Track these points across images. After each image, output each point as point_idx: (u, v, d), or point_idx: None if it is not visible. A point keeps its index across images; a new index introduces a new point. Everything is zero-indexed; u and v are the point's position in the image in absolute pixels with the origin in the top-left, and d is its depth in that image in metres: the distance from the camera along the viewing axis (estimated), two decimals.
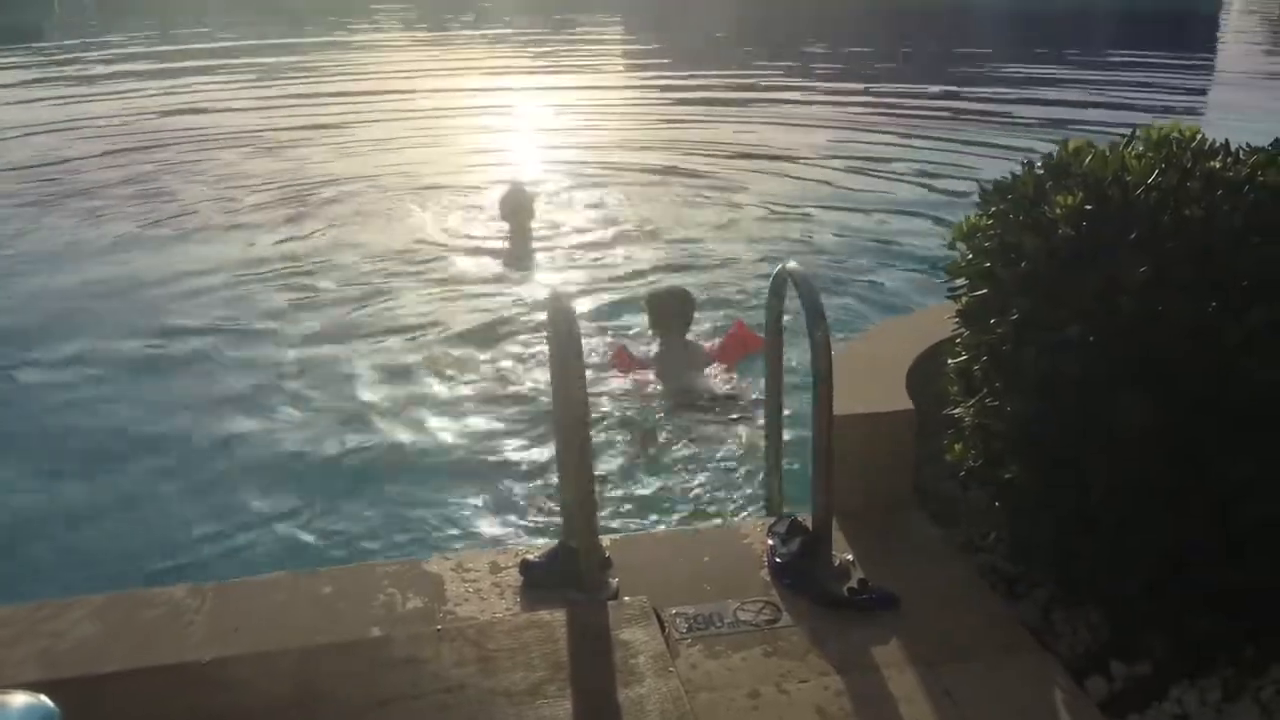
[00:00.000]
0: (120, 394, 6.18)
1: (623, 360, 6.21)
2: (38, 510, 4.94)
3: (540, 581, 3.34)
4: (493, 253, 8.60)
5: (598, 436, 5.08)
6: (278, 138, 13.58)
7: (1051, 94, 14.67)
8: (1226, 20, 25.69)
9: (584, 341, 3.27)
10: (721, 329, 6.61)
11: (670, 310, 6.30)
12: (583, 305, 7.25)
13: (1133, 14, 21.92)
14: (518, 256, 8.47)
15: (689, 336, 6.38)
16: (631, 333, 6.72)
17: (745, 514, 4.52)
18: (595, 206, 9.97)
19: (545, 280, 7.84)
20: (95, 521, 4.86)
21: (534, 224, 9.08)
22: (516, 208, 8.98)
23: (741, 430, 5.39)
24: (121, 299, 7.75)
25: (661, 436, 5.43)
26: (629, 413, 5.69)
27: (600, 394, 5.77)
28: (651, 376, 6.05)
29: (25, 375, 6.48)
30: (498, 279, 8.04)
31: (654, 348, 6.31)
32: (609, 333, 6.79)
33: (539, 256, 8.56)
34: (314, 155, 12.34)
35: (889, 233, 8.71)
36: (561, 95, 16.64)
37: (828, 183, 10.56)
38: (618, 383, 6.00)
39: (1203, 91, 16.40)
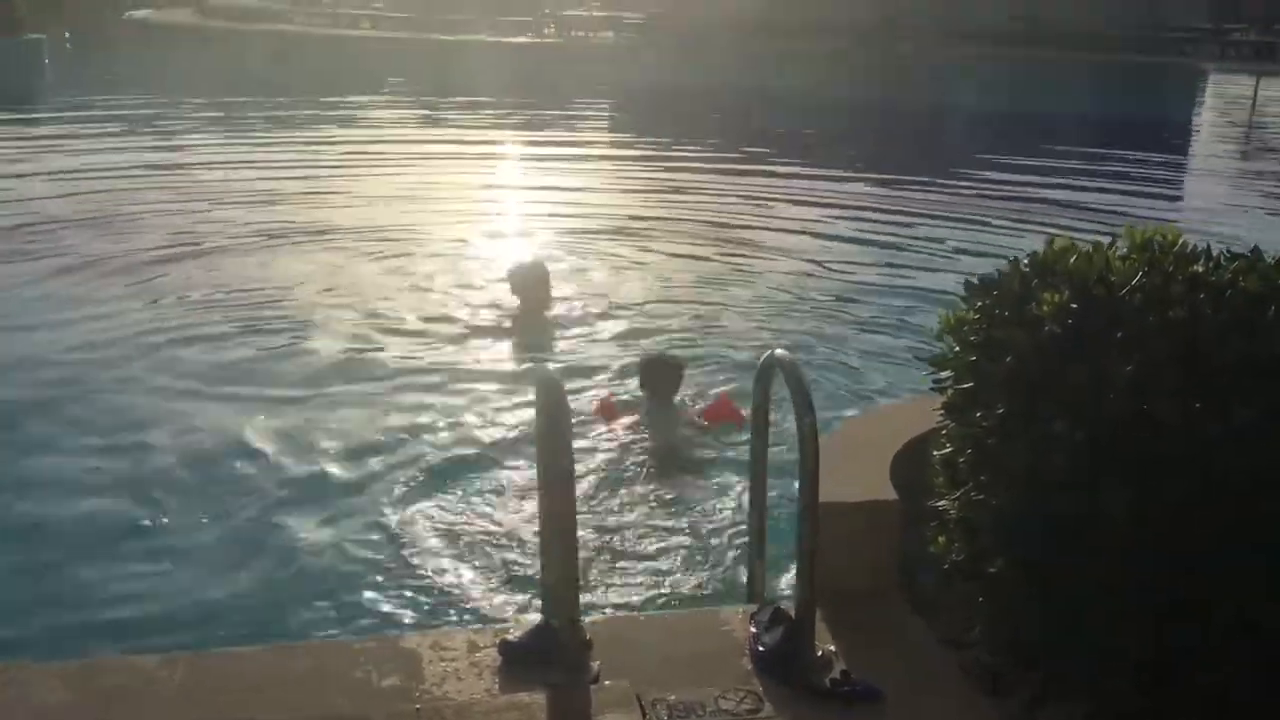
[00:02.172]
0: (92, 449, 6.13)
1: (607, 410, 6.45)
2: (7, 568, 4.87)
3: (520, 661, 3.31)
4: (499, 326, 8.55)
5: (580, 499, 5.09)
6: (268, 202, 13.69)
7: (1032, 192, 14.97)
8: (1199, 126, 26.37)
9: (570, 398, 3.30)
10: (709, 397, 6.79)
11: (660, 373, 6.56)
12: (573, 366, 7.38)
13: (1108, 119, 22.48)
14: (528, 332, 8.37)
15: (676, 399, 6.59)
16: (623, 396, 6.82)
17: (727, 599, 4.49)
18: (584, 280, 10.03)
19: (549, 354, 7.87)
20: (62, 582, 4.79)
21: (550, 298, 8.81)
22: (532, 283, 8.68)
23: (725, 505, 5.41)
24: (99, 352, 7.74)
25: (644, 506, 5.47)
26: (612, 470, 5.79)
27: (582, 449, 5.83)
28: (632, 425, 6.26)
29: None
30: (502, 354, 8.06)
31: (642, 407, 6.51)
32: (595, 389, 6.95)
33: (548, 328, 8.49)
34: (298, 221, 12.39)
35: (875, 322, 8.80)
36: (551, 171, 16.92)
37: (819, 267, 10.72)
38: (601, 435, 6.19)
39: (1178, 194, 16.75)
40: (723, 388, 6.97)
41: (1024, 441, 2.87)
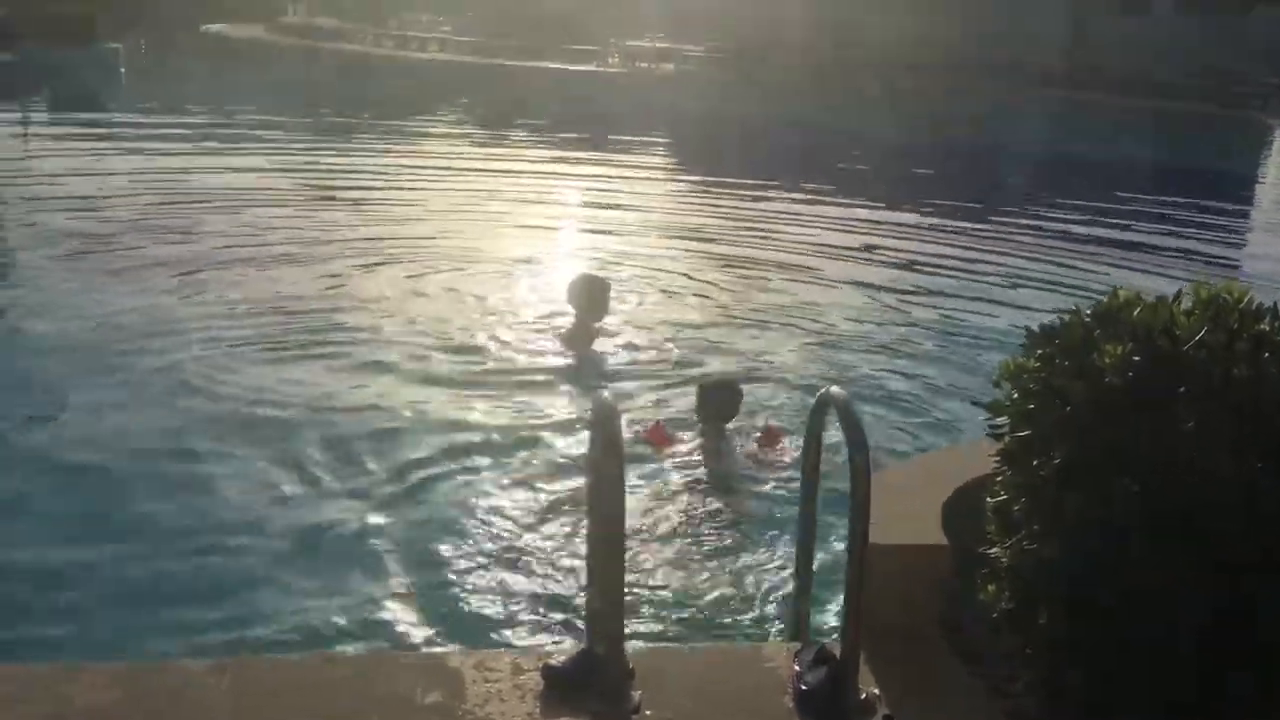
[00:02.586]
0: (141, 459, 6.22)
1: (658, 435, 6.49)
2: (51, 569, 4.96)
3: (562, 686, 3.32)
4: (553, 340, 8.61)
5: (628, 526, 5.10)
6: (322, 206, 13.95)
7: (1098, 239, 14.85)
8: (1264, 178, 26.00)
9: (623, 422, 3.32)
10: (761, 428, 6.78)
11: (719, 399, 6.62)
12: (625, 384, 7.50)
13: (1168, 167, 22.22)
14: (582, 344, 8.43)
15: (730, 427, 6.65)
16: (674, 418, 6.89)
17: (771, 636, 4.48)
18: (641, 301, 10.08)
19: (604, 375, 7.92)
20: (109, 586, 4.87)
21: (606, 318, 8.84)
22: (591, 297, 8.67)
23: (774, 540, 5.40)
24: (146, 355, 7.91)
25: (692, 536, 5.48)
26: (663, 498, 5.83)
27: (633, 474, 5.84)
28: (685, 452, 6.34)
29: (45, 430, 6.57)
30: (557, 369, 8.12)
31: (695, 432, 6.57)
32: (646, 410, 7.04)
33: (605, 349, 8.54)
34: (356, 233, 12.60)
35: (934, 363, 8.75)
36: (611, 193, 17.13)
37: (880, 304, 10.70)
38: (652, 460, 6.26)
39: (1246, 250, 16.51)
40: (774, 420, 6.96)
41: (1080, 493, 2.84)
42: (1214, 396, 2.77)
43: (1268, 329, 2.98)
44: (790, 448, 6.33)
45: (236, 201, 14.25)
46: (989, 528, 3.33)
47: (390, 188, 16.40)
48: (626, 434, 6.24)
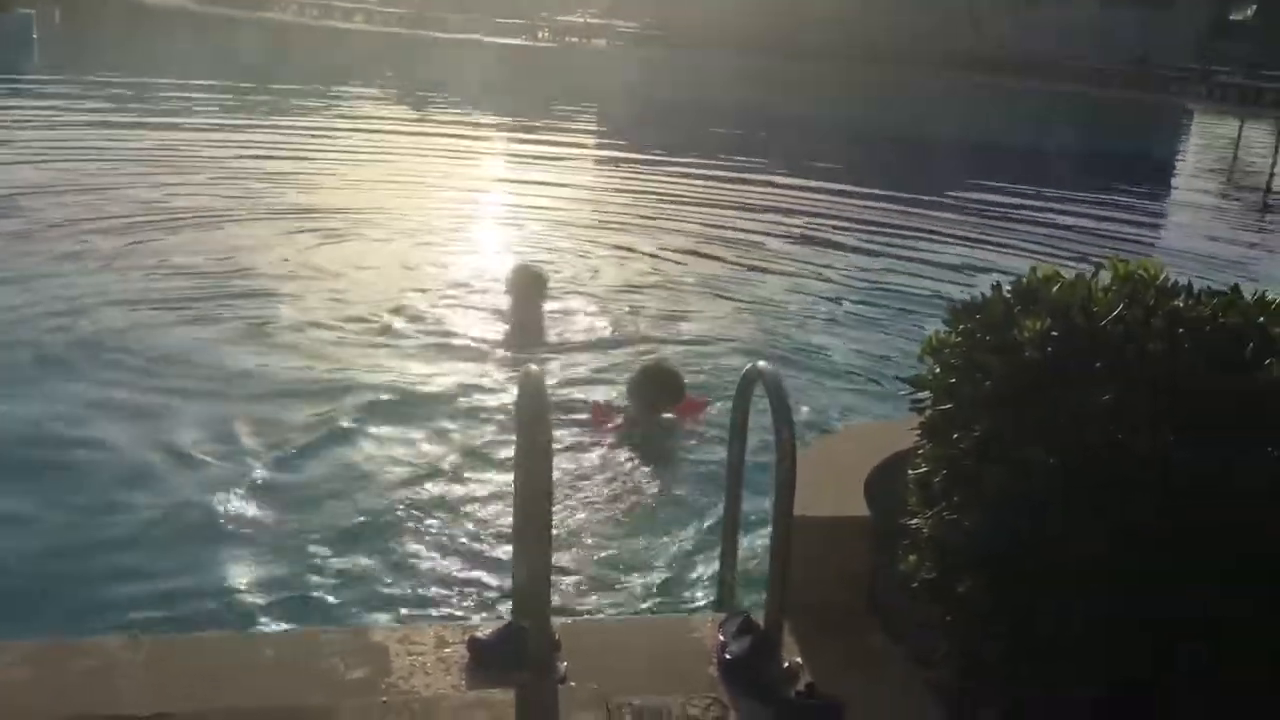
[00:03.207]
0: (70, 428, 6.11)
1: (601, 414, 6.56)
2: None
3: (487, 660, 3.31)
4: (485, 316, 8.58)
5: (558, 501, 5.10)
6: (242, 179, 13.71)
7: (1019, 219, 15.15)
8: (1181, 164, 26.67)
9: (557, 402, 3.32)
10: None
11: (653, 384, 6.68)
12: (562, 368, 7.52)
13: (1096, 153, 22.67)
14: (519, 333, 8.37)
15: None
16: (615, 402, 6.92)
17: (697, 607, 4.51)
18: (575, 282, 10.05)
19: (537, 354, 7.89)
20: (24, 563, 4.76)
21: (544, 305, 8.83)
22: (527, 285, 8.74)
23: (701, 514, 5.44)
24: (86, 328, 7.74)
25: (620, 511, 5.52)
26: (592, 475, 5.88)
27: (565, 452, 5.95)
28: (615, 430, 6.42)
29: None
30: (487, 342, 8.08)
31: (627, 414, 6.65)
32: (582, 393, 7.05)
33: (548, 337, 8.49)
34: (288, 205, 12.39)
35: (860, 339, 8.88)
36: (539, 169, 17.01)
37: (808, 281, 10.82)
38: (584, 439, 6.29)
39: (1162, 229, 16.94)
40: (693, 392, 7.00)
41: (999, 465, 2.90)
42: (1129, 371, 2.83)
43: (1182, 305, 3.05)
44: (711, 413, 6.44)
45: (149, 170, 13.96)
46: (910, 499, 3.38)
47: (313, 157, 16.13)
48: (562, 414, 6.29)
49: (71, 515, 5.20)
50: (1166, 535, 2.73)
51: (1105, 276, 3.23)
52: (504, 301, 8.78)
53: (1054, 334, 2.97)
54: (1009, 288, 3.31)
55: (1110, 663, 2.83)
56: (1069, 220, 15.45)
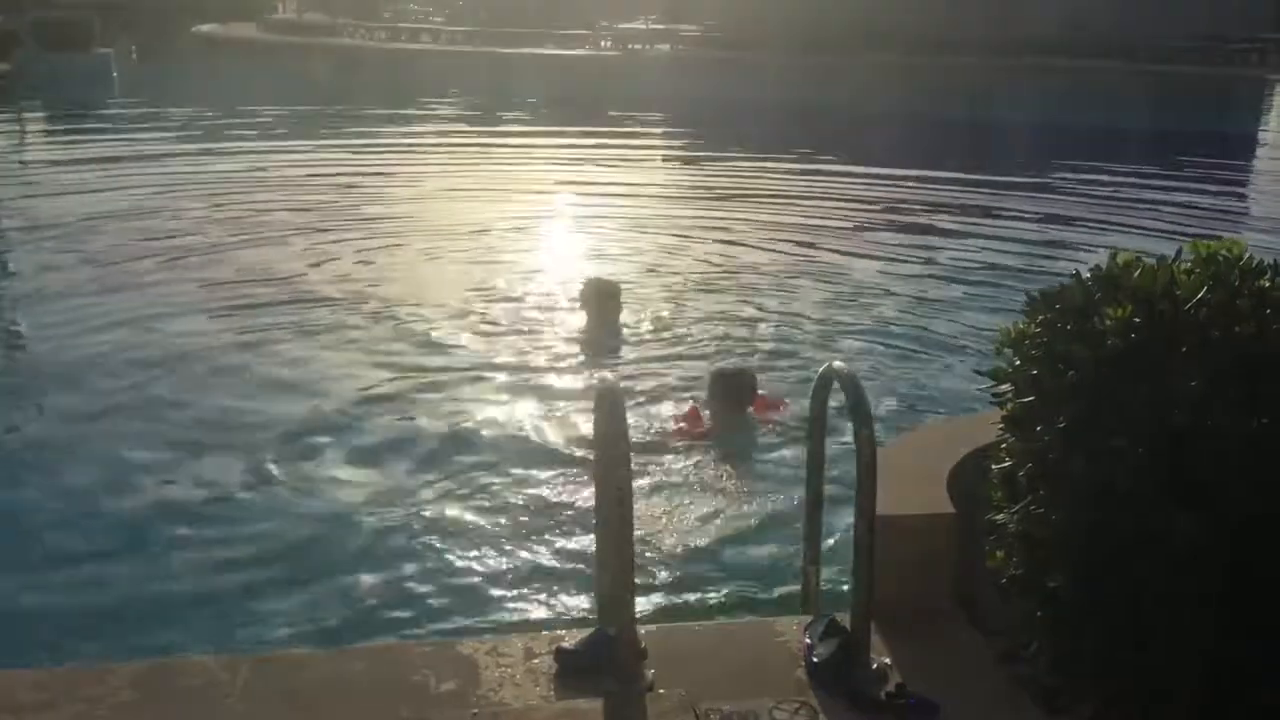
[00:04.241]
0: (146, 457, 6.26)
1: (693, 419, 6.57)
2: (62, 572, 4.99)
3: (576, 669, 3.33)
4: (571, 341, 8.59)
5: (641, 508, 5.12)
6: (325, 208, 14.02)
7: (1098, 205, 14.83)
8: (1265, 136, 25.91)
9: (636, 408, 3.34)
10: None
11: (730, 386, 6.75)
12: (640, 376, 7.56)
13: (1173, 132, 22.15)
14: (598, 346, 8.41)
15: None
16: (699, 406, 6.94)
17: (783, 610, 4.49)
18: (650, 288, 10.08)
19: (613, 360, 7.97)
20: (115, 587, 4.90)
21: (620, 317, 8.83)
22: (602, 299, 8.74)
23: (784, 517, 5.42)
24: (145, 347, 8.04)
25: (704, 515, 5.54)
26: (674, 480, 5.93)
27: (646, 459, 5.97)
28: (698, 435, 6.47)
29: (53, 429, 6.65)
30: (566, 355, 8.15)
31: (711, 417, 6.69)
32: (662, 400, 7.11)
33: (624, 348, 8.50)
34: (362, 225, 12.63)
35: (939, 333, 8.76)
36: (612, 171, 17.18)
37: (883, 276, 10.73)
38: (666, 444, 6.34)
39: (1245, 208, 16.47)
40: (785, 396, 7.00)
41: (1085, 456, 2.84)
42: (1216, 354, 2.76)
43: (1267, 284, 2.97)
44: (787, 412, 6.51)
45: (237, 191, 14.40)
46: (995, 494, 3.34)
47: (394, 174, 16.48)
48: (642, 421, 6.34)
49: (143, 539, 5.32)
50: (1259, 523, 2.66)
51: (1187, 259, 3.16)
52: (579, 316, 8.82)
53: (1137, 320, 2.92)
54: (1089, 276, 3.25)
55: (1203, 655, 2.76)
56: (1151, 206, 15.11)
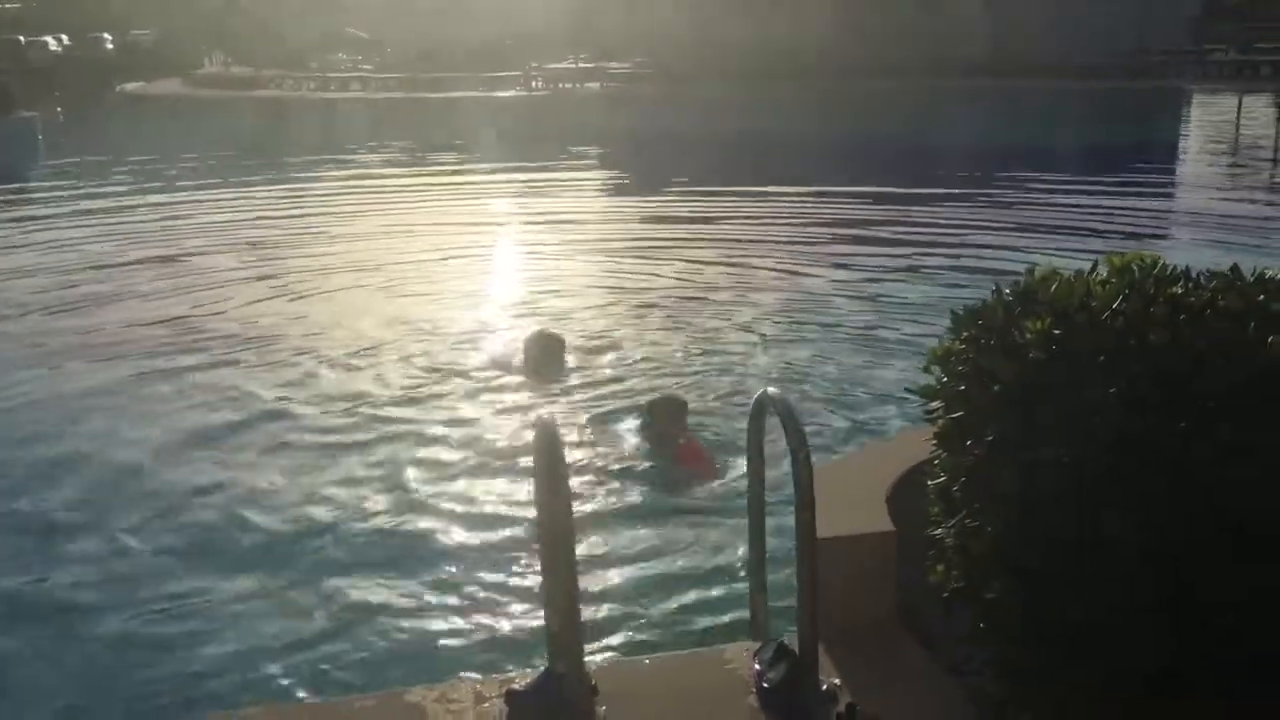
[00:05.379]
0: (112, 507, 6.17)
1: (693, 452, 6.60)
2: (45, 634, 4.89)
3: (526, 710, 3.31)
4: (510, 378, 8.50)
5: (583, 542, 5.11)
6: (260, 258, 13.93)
7: (1012, 221, 15.13)
8: (1186, 147, 26.60)
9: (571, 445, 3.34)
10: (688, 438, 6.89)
11: (664, 412, 6.90)
12: (581, 409, 7.60)
13: (1093, 145, 22.71)
14: (538, 386, 8.29)
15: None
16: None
17: (731, 637, 4.50)
18: (587, 321, 10.11)
19: (552, 393, 7.95)
20: (79, 652, 4.79)
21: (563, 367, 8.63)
22: (546, 353, 8.54)
23: (727, 544, 5.44)
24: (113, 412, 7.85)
25: (646, 547, 5.56)
26: (613, 512, 5.96)
27: (583, 493, 6.01)
28: (632, 466, 6.51)
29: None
30: (503, 389, 8.13)
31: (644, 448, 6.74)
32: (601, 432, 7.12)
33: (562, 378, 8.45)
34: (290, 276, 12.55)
35: (869, 355, 8.86)
36: (547, 206, 17.29)
37: (812, 301, 10.82)
38: (599, 478, 6.36)
39: (1163, 216, 16.86)
40: (706, 431, 7.03)
41: (1014, 468, 2.90)
42: (1132, 362, 2.83)
43: (1180, 291, 3.05)
44: (706, 463, 6.52)
45: (156, 241, 14.53)
46: (933, 510, 3.38)
47: (327, 223, 16.40)
48: (594, 453, 6.35)
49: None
50: (1183, 520, 2.72)
51: (1103, 270, 3.24)
52: (518, 354, 8.73)
53: (1056, 332, 2.98)
54: (1009, 290, 3.32)
55: (1141, 651, 2.81)
56: (1079, 209, 15.48)
